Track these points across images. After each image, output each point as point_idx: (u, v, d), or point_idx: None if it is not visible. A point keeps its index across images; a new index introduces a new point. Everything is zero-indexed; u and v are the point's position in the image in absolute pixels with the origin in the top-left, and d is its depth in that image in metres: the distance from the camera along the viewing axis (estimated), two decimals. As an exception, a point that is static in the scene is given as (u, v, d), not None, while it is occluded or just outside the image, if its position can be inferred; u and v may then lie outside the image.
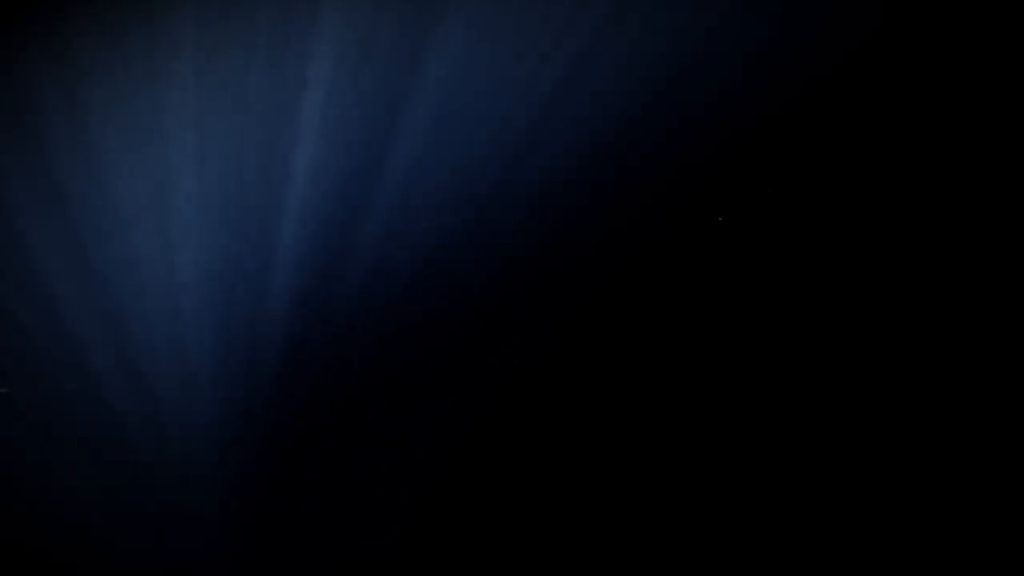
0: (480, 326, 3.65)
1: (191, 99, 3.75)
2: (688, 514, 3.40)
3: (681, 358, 3.51)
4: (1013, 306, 3.23)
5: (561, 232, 3.64)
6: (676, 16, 3.55)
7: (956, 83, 3.39)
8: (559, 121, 3.62)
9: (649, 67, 3.57)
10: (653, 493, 3.44)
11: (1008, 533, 3.07)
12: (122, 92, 3.72)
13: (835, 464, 3.31)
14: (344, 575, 3.58)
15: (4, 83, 3.73)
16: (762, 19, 3.53)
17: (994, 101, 3.35)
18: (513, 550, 3.50)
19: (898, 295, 3.36)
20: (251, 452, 3.67)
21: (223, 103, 3.75)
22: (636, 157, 3.59)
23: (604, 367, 3.55)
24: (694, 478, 3.42)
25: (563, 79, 3.62)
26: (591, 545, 3.45)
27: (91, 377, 3.70)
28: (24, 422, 3.67)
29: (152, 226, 3.77)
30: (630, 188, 3.60)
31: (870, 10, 3.45)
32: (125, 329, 3.74)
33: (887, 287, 3.37)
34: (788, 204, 3.51)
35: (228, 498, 3.65)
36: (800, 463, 3.34)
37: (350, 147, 3.73)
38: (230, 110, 3.74)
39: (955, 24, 3.39)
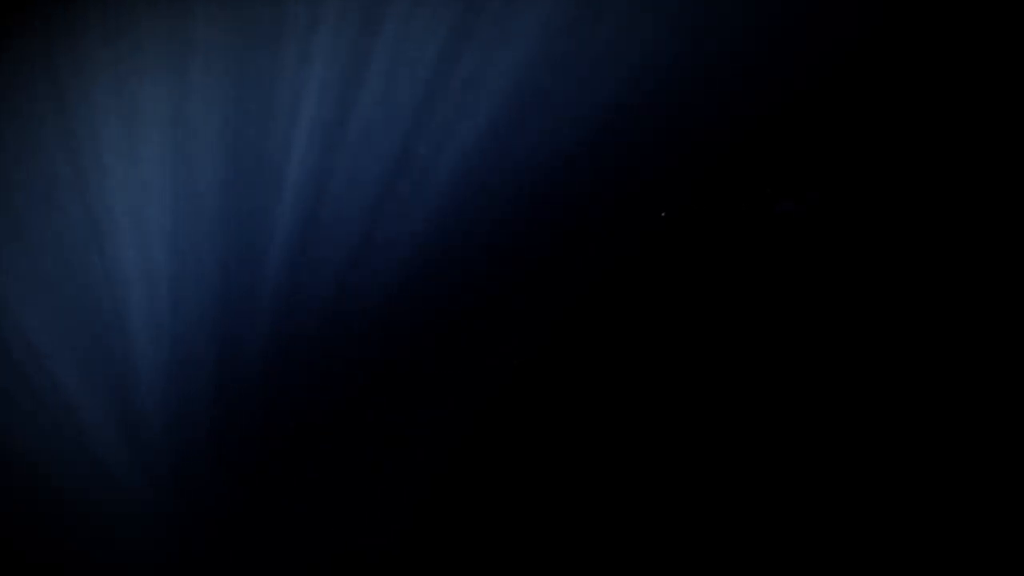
0: (480, 326, 3.65)
1: (168, 98, 3.72)
2: (688, 514, 3.41)
3: (682, 358, 3.52)
4: (1013, 306, 3.24)
5: (561, 231, 3.64)
6: (674, 12, 3.54)
7: (956, 83, 3.40)
8: (559, 120, 3.61)
9: (648, 65, 3.56)
10: (653, 493, 3.44)
11: (1008, 533, 3.09)
12: (98, 92, 3.69)
13: (835, 464, 3.32)
14: (344, 575, 3.58)
15: None
16: (760, 17, 3.53)
17: (994, 101, 3.36)
18: (513, 550, 3.50)
19: (900, 296, 3.37)
20: (250, 452, 3.67)
21: (209, 103, 3.73)
22: (637, 156, 3.59)
23: (604, 367, 3.56)
24: (694, 478, 3.43)
25: (560, 74, 3.61)
26: (591, 545, 3.45)
27: (85, 382, 3.69)
28: (10, 430, 3.65)
29: (138, 228, 3.75)
30: (631, 187, 3.60)
31: (870, 10, 3.45)
32: (120, 331, 3.72)
33: (888, 288, 3.38)
34: (787, 204, 3.51)
35: (227, 498, 3.64)
36: (800, 463, 3.35)
37: (345, 141, 3.72)
38: (216, 110, 3.73)
39: (955, 24, 3.39)
